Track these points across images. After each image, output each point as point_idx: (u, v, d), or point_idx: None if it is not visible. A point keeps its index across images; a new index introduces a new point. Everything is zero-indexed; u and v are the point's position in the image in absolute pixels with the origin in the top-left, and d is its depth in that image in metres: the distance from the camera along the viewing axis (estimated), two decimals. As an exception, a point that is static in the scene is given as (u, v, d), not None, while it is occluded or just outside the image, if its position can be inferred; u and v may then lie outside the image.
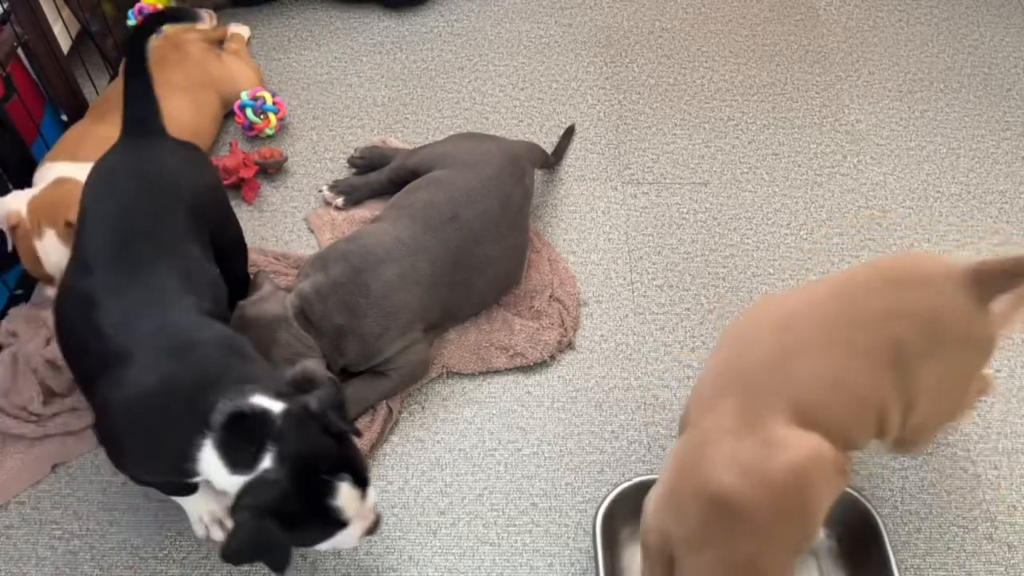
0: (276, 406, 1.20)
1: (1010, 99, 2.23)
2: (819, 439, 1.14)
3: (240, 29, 2.35)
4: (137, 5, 2.26)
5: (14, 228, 1.62)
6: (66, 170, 1.70)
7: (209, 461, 1.18)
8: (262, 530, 1.14)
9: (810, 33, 2.41)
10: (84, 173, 1.63)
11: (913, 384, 1.21)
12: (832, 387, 1.17)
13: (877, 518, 1.39)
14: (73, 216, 1.58)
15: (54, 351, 1.60)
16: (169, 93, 1.91)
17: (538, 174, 1.98)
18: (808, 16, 2.46)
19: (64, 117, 2.01)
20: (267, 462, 1.16)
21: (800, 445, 1.12)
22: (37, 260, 1.62)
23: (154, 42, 1.50)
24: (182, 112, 1.95)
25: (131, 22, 2.27)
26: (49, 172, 1.72)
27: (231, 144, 2.01)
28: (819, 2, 2.49)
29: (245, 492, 1.16)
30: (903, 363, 1.19)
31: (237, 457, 1.17)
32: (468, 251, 1.66)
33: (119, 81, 1.93)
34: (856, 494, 1.41)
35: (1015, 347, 1.75)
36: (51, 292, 1.68)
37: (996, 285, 1.21)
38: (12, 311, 1.73)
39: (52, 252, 1.61)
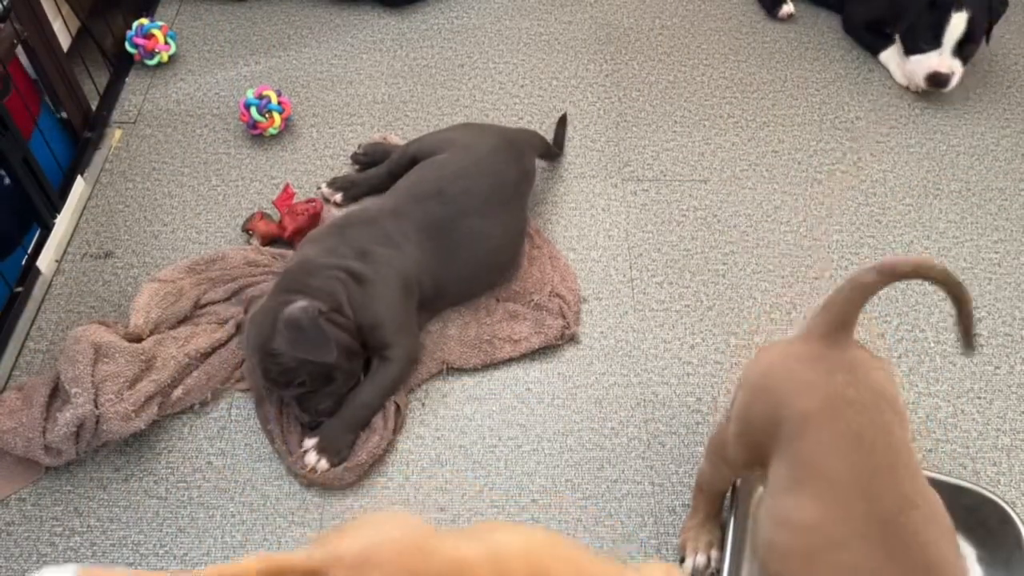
0: None
1: (1010, 96, 2.24)
2: None
3: None
4: (136, 24, 2.23)
5: None
6: None
7: None
8: None
9: (810, 30, 2.41)
10: None
11: None
12: None
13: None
14: None
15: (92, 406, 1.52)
16: None
17: (539, 171, 1.98)
18: (808, 12, 2.46)
19: (63, 115, 2.01)
20: None
21: None
22: None
23: None
24: None
25: (131, 49, 2.24)
26: None
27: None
28: (819, -1, 2.49)
29: None
30: None
31: None
32: (453, 222, 1.70)
33: None
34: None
35: (1014, 343, 1.75)
36: None
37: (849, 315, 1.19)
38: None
39: None
